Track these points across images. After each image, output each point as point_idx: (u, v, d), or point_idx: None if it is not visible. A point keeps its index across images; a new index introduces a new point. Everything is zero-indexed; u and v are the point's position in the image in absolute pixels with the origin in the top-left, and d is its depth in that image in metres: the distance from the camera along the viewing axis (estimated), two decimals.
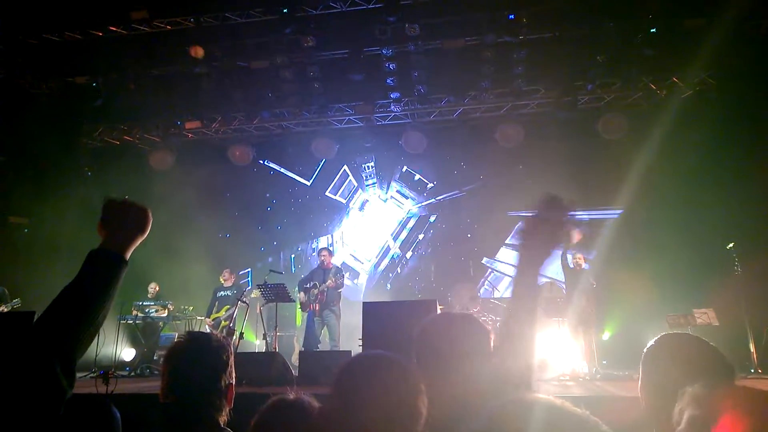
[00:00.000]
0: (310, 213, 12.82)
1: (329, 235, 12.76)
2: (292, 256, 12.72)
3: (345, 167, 12.89)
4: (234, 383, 2.00)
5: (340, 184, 13.05)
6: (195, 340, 2.04)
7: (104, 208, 1.48)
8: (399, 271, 12.51)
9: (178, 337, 2.10)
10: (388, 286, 12.32)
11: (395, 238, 12.67)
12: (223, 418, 1.93)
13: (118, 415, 1.97)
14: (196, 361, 1.94)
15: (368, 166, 12.93)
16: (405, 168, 12.62)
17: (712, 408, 1.21)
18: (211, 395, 1.90)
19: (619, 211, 10.44)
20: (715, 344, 1.73)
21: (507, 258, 11.58)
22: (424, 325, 1.80)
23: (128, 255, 1.44)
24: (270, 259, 12.62)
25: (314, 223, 12.79)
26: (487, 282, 11.78)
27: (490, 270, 11.80)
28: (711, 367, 1.73)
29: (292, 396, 1.89)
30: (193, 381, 1.90)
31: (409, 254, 12.60)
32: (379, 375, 1.38)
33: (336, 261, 11.07)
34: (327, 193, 13.00)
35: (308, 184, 13.01)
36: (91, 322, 1.32)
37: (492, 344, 1.77)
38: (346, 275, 11.93)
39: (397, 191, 12.78)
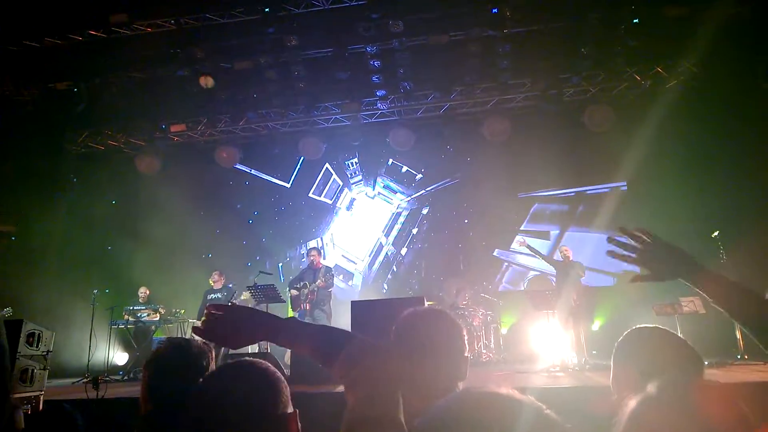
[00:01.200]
0: (295, 219, 12.48)
1: (318, 239, 12.48)
2: (280, 264, 12.30)
3: (327, 165, 12.57)
4: None
5: (324, 184, 12.70)
6: (174, 347, 2.03)
7: None
8: (395, 269, 12.20)
9: (158, 345, 2.09)
10: (385, 287, 11.98)
11: (387, 235, 12.40)
12: None
13: (80, 420, 1.97)
14: (175, 368, 1.93)
15: (352, 163, 12.60)
16: (391, 161, 12.37)
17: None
18: None
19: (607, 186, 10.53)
20: (703, 331, 1.78)
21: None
22: (399, 319, 1.83)
23: None
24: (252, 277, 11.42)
25: (301, 229, 12.44)
26: (503, 277, 11.31)
27: (505, 263, 11.34)
28: (679, 360, 1.76)
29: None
30: (171, 388, 1.89)
31: (404, 251, 12.29)
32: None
33: (328, 263, 11.02)
34: (311, 195, 12.65)
35: (288, 186, 12.66)
36: None
37: (464, 339, 1.79)
38: (339, 277, 11.92)
39: (384, 186, 12.49)
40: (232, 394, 1.26)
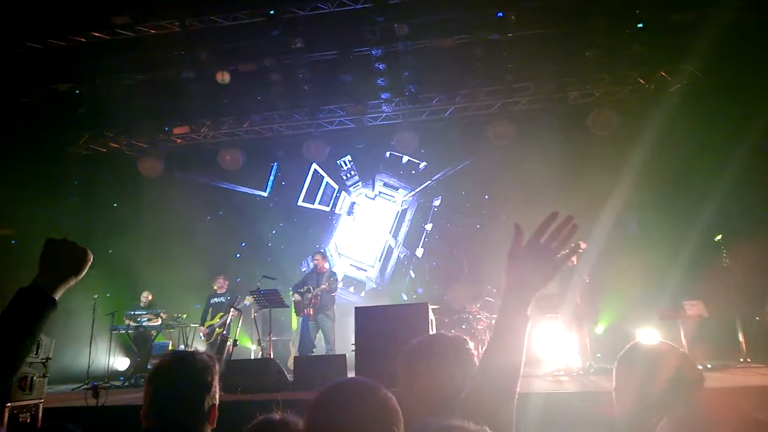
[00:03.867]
0: (294, 239, 11.78)
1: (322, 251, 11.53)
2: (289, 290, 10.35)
3: (315, 166, 12.06)
4: (217, 404, 1.95)
5: (315, 190, 12.09)
6: (178, 360, 1.98)
7: (44, 246, 1.48)
8: (413, 275, 11.46)
9: (161, 357, 2.04)
10: (404, 297, 11.19)
11: (395, 236, 11.83)
12: None
13: None
14: (178, 383, 1.88)
15: (345, 162, 12.04)
16: (389, 153, 11.83)
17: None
18: (193, 419, 1.86)
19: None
20: (706, 334, 1.81)
21: None
22: (409, 348, 1.85)
23: (58, 296, 1.43)
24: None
25: (303, 247, 11.70)
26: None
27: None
28: (679, 375, 1.82)
29: (277, 416, 1.86)
30: (174, 405, 1.85)
31: (420, 251, 11.61)
32: (355, 404, 1.33)
33: (338, 274, 10.78)
34: (300, 203, 12.03)
35: (265, 194, 12.17)
36: (14, 361, 1.32)
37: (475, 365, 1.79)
38: (350, 289, 11.68)
39: (384, 184, 12.00)
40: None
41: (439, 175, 11.80)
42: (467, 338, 2.04)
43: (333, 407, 1.33)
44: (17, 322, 1.32)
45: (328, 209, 12.26)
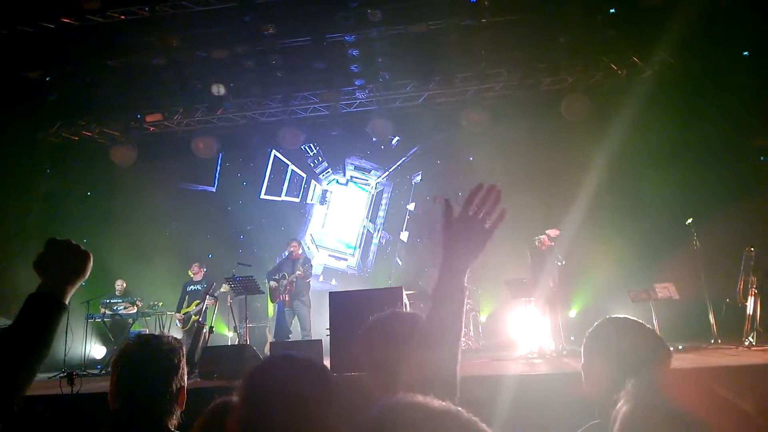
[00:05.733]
0: (266, 239, 11.35)
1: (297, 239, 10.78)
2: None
3: (275, 153, 11.68)
4: (186, 385, 1.98)
5: (280, 180, 11.55)
6: (144, 344, 2.00)
7: (45, 248, 1.43)
8: (400, 262, 11.06)
9: (127, 341, 2.07)
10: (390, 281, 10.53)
11: (372, 219, 11.46)
12: (173, 422, 1.91)
13: (52, 419, 1.96)
14: (144, 366, 1.90)
15: (311, 146, 11.53)
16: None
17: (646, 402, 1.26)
18: (161, 400, 1.88)
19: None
20: (677, 316, 1.81)
21: None
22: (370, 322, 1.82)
23: (68, 299, 1.41)
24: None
25: (278, 241, 11.13)
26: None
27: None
28: (647, 351, 1.81)
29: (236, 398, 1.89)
30: (141, 387, 1.88)
31: (404, 234, 11.12)
32: (287, 377, 1.38)
33: (316, 265, 10.57)
34: (263, 196, 11.57)
35: (213, 189, 11.72)
36: (31, 370, 1.31)
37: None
38: (332, 281, 11.49)
39: (355, 168, 11.66)
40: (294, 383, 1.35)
41: (414, 149, 11.50)
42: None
43: (265, 378, 1.39)
44: (32, 331, 1.32)
45: (298, 200, 11.86)
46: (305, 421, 1.32)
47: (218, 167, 11.97)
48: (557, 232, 8.73)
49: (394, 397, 0.90)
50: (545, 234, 8.63)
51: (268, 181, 11.87)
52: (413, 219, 11.41)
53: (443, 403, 0.86)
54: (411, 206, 11.42)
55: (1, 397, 1.25)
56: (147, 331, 9.97)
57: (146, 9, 8.92)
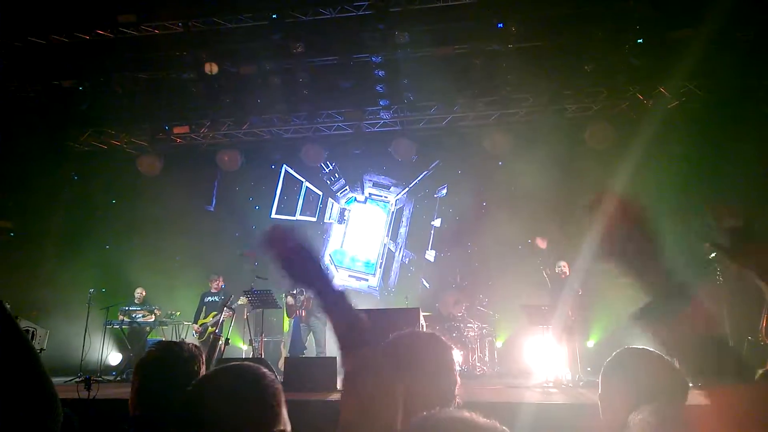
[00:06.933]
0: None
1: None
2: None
3: (285, 168, 11.42)
4: None
5: (294, 198, 11.20)
6: (166, 350, 2.03)
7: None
8: (427, 284, 10.68)
9: (149, 348, 2.10)
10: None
11: (393, 238, 11.16)
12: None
13: (77, 423, 1.98)
14: (165, 373, 1.94)
15: (326, 164, 11.17)
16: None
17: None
18: None
19: None
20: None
21: None
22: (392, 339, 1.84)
23: None
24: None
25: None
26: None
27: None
28: (665, 385, 1.80)
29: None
30: (161, 393, 1.90)
31: (431, 254, 10.69)
32: (231, 383, 1.36)
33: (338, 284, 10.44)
34: (276, 215, 11.24)
35: (211, 209, 11.60)
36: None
37: (453, 360, 1.81)
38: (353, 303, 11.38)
39: (374, 185, 11.38)
40: (224, 397, 1.29)
41: (436, 162, 11.23)
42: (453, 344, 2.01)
43: (211, 389, 1.37)
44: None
45: (314, 219, 11.51)
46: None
47: (215, 188, 11.78)
48: (545, 243, 8.77)
49: (439, 410, 0.91)
50: (542, 244, 8.65)
51: (279, 200, 11.54)
52: (439, 236, 11.05)
53: (489, 421, 0.87)
54: (437, 222, 11.07)
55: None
56: (155, 344, 10.02)
57: (180, 24, 9.15)
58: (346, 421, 1.23)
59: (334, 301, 1.38)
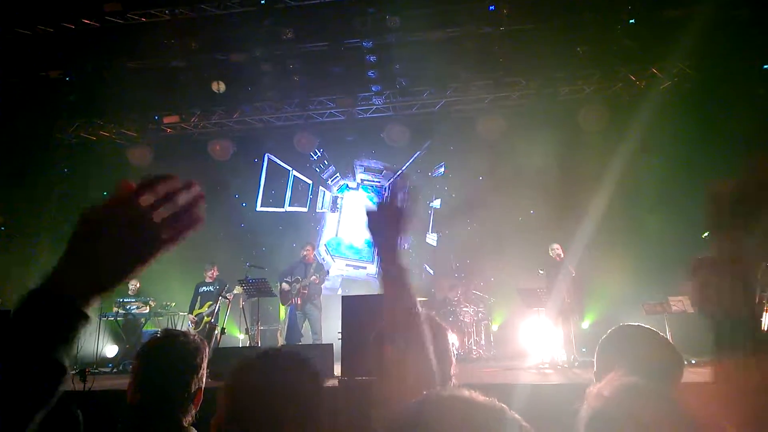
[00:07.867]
0: (275, 253, 10.64)
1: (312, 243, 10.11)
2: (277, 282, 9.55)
3: (268, 157, 11.13)
4: (203, 387, 1.98)
5: (281, 188, 10.89)
6: (170, 339, 2.01)
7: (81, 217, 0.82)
8: (431, 271, 10.42)
9: (153, 335, 2.07)
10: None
11: None
12: (188, 420, 1.91)
13: (81, 416, 1.96)
14: (168, 361, 1.91)
15: (314, 152, 10.84)
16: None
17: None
18: (179, 398, 1.88)
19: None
20: (691, 330, 1.78)
21: None
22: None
23: (93, 303, 0.79)
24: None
25: (284, 259, 10.36)
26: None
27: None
28: (660, 359, 1.82)
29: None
30: (162, 381, 1.88)
31: (432, 237, 10.37)
32: (278, 365, 1.44)
33: (334, 277, 10.20)
34: (260, 209, 10.92)
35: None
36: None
37: (448, 340, 1.86)
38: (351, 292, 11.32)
39: (365, 170, 11.15)
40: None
41: (428, 143, 10.99)
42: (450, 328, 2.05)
43: (256, 369, 1.44)
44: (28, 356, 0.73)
45: (305, 210, 11.24)
46: (287, 416, 1.33)
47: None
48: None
49: (439, 389, 0.92)
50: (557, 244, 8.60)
51: (265, 191, 11.20)
52: (439, 218, 10.76)
53: (488, 398, 0.87)
54: (436, 203, 10.80)
55: None
56: (160, 332, 10.01)
57: (166, 12, 9.03)
58: (383, 394, 1.29)
59: (399, 274, 1.50)
